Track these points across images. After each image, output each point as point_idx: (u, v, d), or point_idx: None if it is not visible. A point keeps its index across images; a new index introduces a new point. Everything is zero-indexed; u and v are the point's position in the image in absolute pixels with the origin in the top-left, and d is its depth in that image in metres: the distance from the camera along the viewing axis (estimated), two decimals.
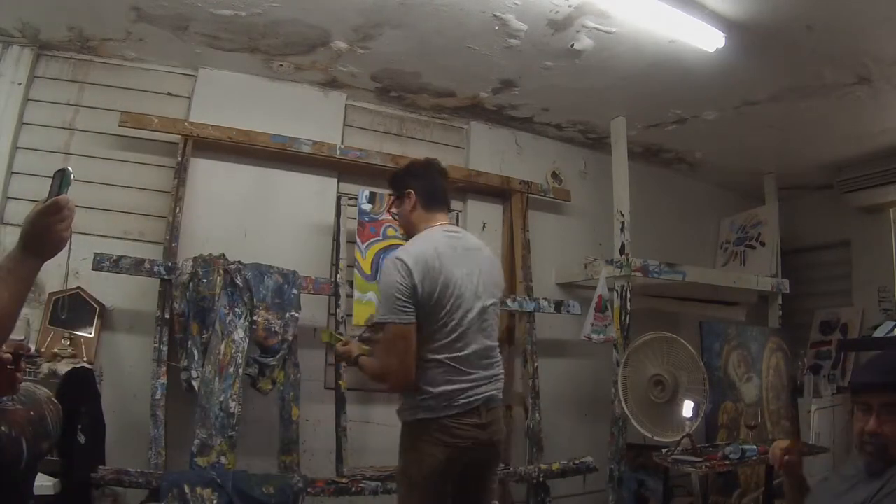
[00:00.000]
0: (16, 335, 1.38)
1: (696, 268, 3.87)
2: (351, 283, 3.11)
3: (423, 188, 2.09)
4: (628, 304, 3.45)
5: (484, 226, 3.71)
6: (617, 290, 3.50)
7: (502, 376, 2.06)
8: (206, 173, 3.13)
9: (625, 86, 3.27)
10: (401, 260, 1.88)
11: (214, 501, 2.38)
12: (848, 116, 3.52)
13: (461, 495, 1.94)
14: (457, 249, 1.98)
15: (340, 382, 2.96)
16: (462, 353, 1.91)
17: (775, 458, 1.76)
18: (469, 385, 1.91)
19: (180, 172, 2.95)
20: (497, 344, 2.06)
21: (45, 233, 1.18)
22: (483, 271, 2.02)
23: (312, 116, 3.38)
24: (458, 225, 3.14)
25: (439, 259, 1.91)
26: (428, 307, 1.88)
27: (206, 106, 3.16)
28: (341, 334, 2.35)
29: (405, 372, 1.86)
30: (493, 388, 1.98)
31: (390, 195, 2.23)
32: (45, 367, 2.53)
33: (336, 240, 3.17)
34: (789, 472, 1.75)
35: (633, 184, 3.64)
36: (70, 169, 1.20)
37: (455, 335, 1.91)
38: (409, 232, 2.12)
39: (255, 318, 2.73)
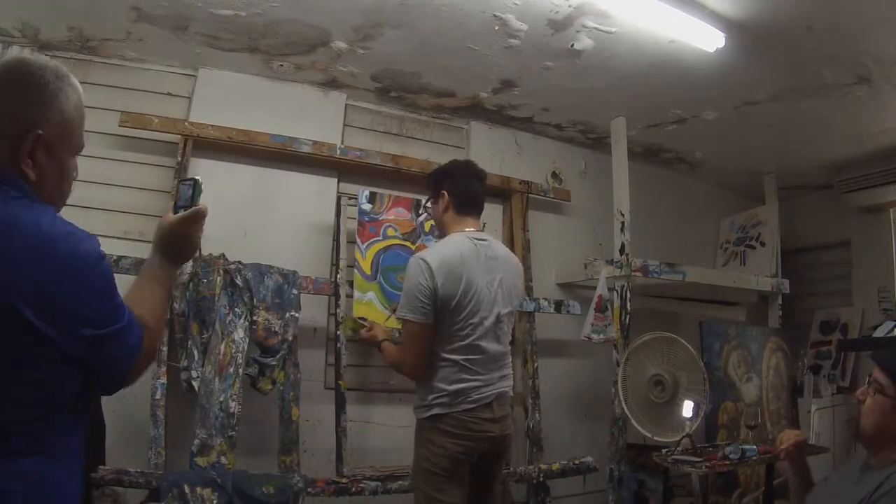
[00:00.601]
0: None
1: (696, 268, 3.86)
2: (351, 283, 3.11)
3: (457, 190, 2.14)
4: (628, 304, 3.45)
5: (484, 226, 3.67)
6: (617, 290, 3.50)
7: (511, 375, 2.16)
8: (206, 173, 3.09)
9: (625, 86, 3.27)
10: (425, 261, 1.95)
11: (214, 501, 2.38)
12: (848, 116, 3.52)
13: (472, 483, 2.03)
14: (481, 258, 2.04)
15: (340, 382, 2.95)
16: (476, 357, 2.00)
17: (781, 443, 1.79)
18: (481, 384, 2.00)
19: (180, 172, 2.94)
20: (508, 349, 2.15)
21: (185, 240, 1.26)
22: (504, 279, 2.09)
23: (312, 116, 3.38)
24: None
25: (463, 265, 1.97)
26: (447, 310, 1.95)
27: (206, 106, 3.16)
28: (364, 321, 2.38)
29: (417, 367, 1.97)
30: (504, 385, 2.09)
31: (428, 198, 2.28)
32: None
33: (336, 240, 3.16)
34: (791, 459, 1.78)
35: (633, 184, 3.64)
36: (200, 178, 1.28)
37: (471, 339, 1.99)
38: (442, 233, 2.18)
39: (255, 318, 2.73)
